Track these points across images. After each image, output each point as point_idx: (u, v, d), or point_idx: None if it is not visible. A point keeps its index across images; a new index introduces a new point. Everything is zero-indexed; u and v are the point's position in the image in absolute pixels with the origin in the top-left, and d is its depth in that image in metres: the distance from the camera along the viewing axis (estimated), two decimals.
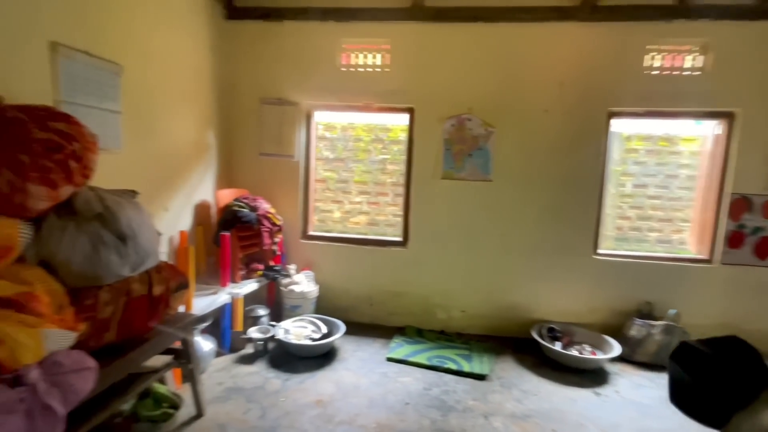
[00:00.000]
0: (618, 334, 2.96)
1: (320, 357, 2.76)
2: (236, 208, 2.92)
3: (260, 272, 3.03)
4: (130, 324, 1.59)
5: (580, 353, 2.79)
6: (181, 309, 2.13)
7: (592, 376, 2.66)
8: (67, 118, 1.55)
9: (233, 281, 2.83)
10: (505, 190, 3.14)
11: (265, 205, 3.10)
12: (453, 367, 2.68)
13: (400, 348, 2.93)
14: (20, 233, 1.33)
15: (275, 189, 3.37)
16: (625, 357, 2.84)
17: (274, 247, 3.10)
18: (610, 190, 3.15)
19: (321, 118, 3.44)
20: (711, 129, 3.04)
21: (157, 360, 1.89)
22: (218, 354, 2.67)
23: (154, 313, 1.69)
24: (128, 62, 2.23)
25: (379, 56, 3.22)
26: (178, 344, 1.98)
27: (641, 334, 2.87)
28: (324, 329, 2.91)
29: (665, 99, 2.94)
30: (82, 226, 1.49)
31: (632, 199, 3.16)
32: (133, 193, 1.84)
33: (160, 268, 1.78)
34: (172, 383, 2.25)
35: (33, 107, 1.51)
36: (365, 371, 2.62)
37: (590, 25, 2.91)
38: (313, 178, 3.48)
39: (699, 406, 1.20)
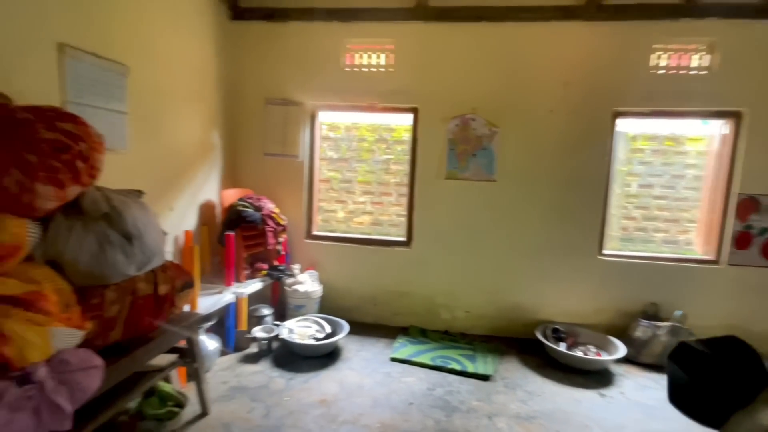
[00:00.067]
0: (623, 335, 2.94)
1: (324, 357, 2.76)
2: (241, 208, 2.94)
3: (264, 272, 3.04)
4: (135, 323, 1.60)
5: (585, 354, 2.77)
6: (186, 308, 2.15)
7: (597, 378, 2.65)
8: (74, 119, 1.56)
9: (238, 281, 2.84)
10: (510, 190, 3.13)
11: (269, 205, 3.11)
12: (457, 367, 2.67)
13: (404, 348, 2.93)
14: (28, 233, 1.34)
15: (279, 189, 3.38)
16: (631, 358, 2.82)
17: (279, 247, 3.11)
18: (616, 191, 3.13)
19: (325, 118, 3.45)
20: (718, 129, 3.02)
21: (163, 359, 1.91)
22: (223, 353, 2.69)
23: (159, 312, 1.71)
24: (134, 63, 2.25)
25: (383, 56, 3.22)
26: (183, 343, 2.00)
27: (647, 335, 2.85)
28: (328, 329, 2.91)
29: (671, 98, 2.92)
30: (89, 225, 1.51)
31: (638, 200, 3.14)
32: (138, 193, 1.85)
33: (166, 267, 1.79)
34: (177, 382, 2.27)
35: (41, 108, 1.52)
36: (369, 371, 2.62)
37: (595, 24, 2.90)
38: (317, 178, 3.49)
39: (698, 406, 1.20)
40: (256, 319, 2.91)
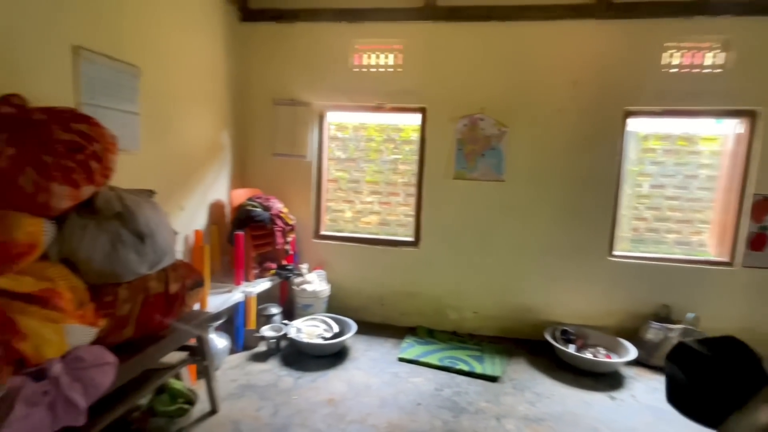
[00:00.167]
0: (634, 337, 2.90)
1: (332, 356, 2.77)
2: (250, 208, 2.96)
3: (273, 271, 3.06)
4: (147, 321, 1.63)
5: (595, 356, 2.74)
6: (197, 307, 2.17)
7: (607, 380, 2.62)
8: (88, 120, 1.59)
9: (247, 280, 2.87)
10: (519, 190, 3.11)
11: (278, 205, 3.14)
12: (465, 368, 2.66)
13: (412, 348, 2.93)
14: (44, 231, 1.37)
15: (288, 189, 3.40)
16: (642, 361, 2.78)
17: (287, 247, 3.12)
18: (627, 191, 3.09)
19: (333, 118, 3.46)
20: (732, 128, 2.96)
21: (173, 356, 1.93)
22: (232, 351, 2.71)
23: (170, 311, 1.73)
24: (146, 65, 2.28)
25: (391, 56, 3.22)
26: (193, 341, 2.02)
27: (658, 337, 2.81)
28: (335, 328, 2.92)
29: (684, 97, 2.87)
30: (102, 224, 1.53)
31: (649, 200, 3.10)
32: (150, 193, 1.88)
33: (177, 266, 1.81)
34: (188, 379, 2.29)
35: (56, 109, 1.56)
36: (377, 371, 2.62)
37: (606, 22, 2.87)
38: (326, 178, 3.51)
39: (695, 406, 1.20)
40: (265, 318, 2.94)
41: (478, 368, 2.67)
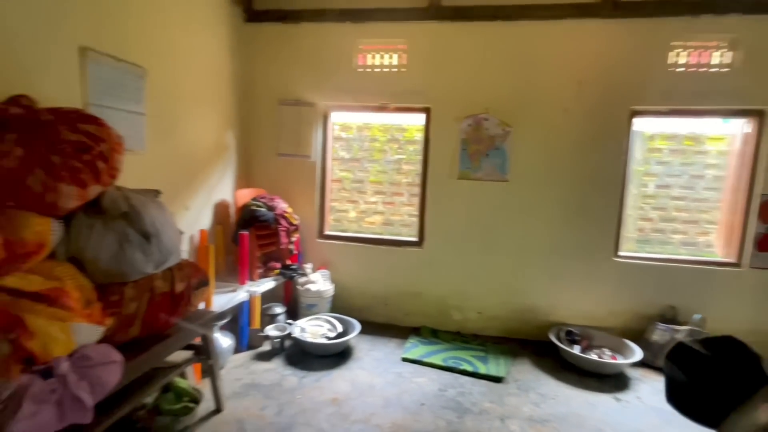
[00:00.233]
0: (640, 338, 2.88)
1: (336, 356, 2.78)
2: (254, 208, 2.97)
3: (277, 271, 3.07)
4: (153, 320, 1.64)
5: (600, 357, 2.73)
6: (201, 306, 2.18)
7: (612, 381, 2.60)
8: (95, 121, 1.61)
9: (251, 279, 2.88)
10: (523, 190, 3.09)
11: (282, 205, 3.15)
12: (469, 368, 2.66)
13: (415, 348, 2.93)
14: (52, 231, 1.39)
15: (292, 189, 3.41)
16: (647, 362, 2.76)
17: (291, 246, 3.14)
18: (632, 191, 3.07)
19: (337, 118, 3.47)
20: (740, 127, 2.93)
21: (179, 355, 1.94)
22: (236, 350, 2.73)
23: (175, 310, 1.74)
24: (152, 65, 2.30)
25: (395, 56, 3.22)
26: (198, 340, 2.03)
27: (664, 339, 2.79)
28: (339, 328, 2.93)
29: (691, 97, 2.85)
30: (109, 224, 1.55)
31: (655, 200, 3.08)
32: (156, 193, 1.89)
33: (182, 265, 1.82)
34: (193, 378, 2.31)
35: (63, 110, 1.57)
36: (380, 371, 2.63)
37: (612, 21, 2.85)
38: (329, 178, 3.51)
39: (695, 405, 1.20)
40: (269, 318, 2.95)
41: (482, 369, 2.66)
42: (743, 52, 2.75)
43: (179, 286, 1.74)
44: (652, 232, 3.10)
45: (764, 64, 2.73)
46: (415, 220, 3.37)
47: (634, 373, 2.71)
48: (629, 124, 2.96)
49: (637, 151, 3.04)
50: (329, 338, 2.82)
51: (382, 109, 3.29)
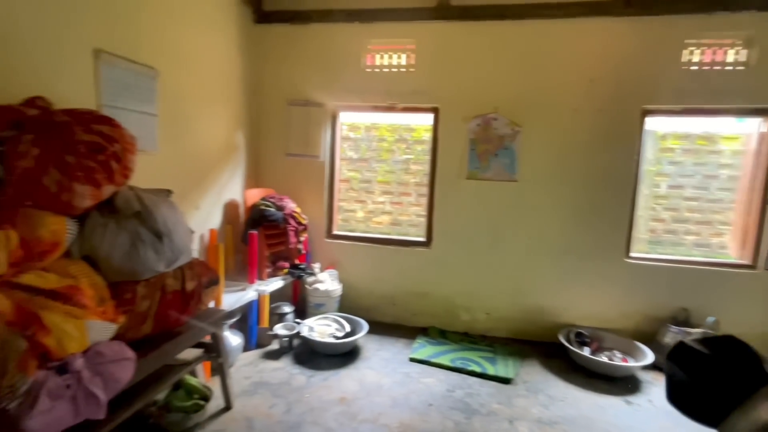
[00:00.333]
0: (652, 341, 2.84)
1: (343, 355, 2.79)
2: (263, 207, 3.00)
3: (286, 270, 3.09)
4: (164, 317, 1.66)
5: (610, 359, 2.70)
6: (211, 304, 2.20)
7: (623, 384, 2.57)
8: (109, 121, 1.63)
9: (260, 278, 2.90)
10: (532, 190, 3.07)
11: (291, 205, 3.16)
12: (477, 369, 2.65)
13: (423, 348, 2.92)
14: (67, 230, 1.41)
15: (301, 188, 3.43)
16: (659, 365, 2.72)
17: (300, 246, 3.15)
18: (644, 191, 3.02)
19: (345, 118, 3.48)
20: (755, 127, 2.88)
21: (189, 353, 1.97)
22: (245, 349, 2.75)
23: (186, 308, 1.76)
24: (164, 67, 2.33)
25: (403, 56, 3.22)
26: (208, 338, 2.05)
27: (676, 342, 2.74)
28: (347, 328, 2.94)
29: (705, 96, 2.80)
30: (122, 223, 1.57)
31: (667, 201, 3.03)
32: (168, 192, 1.92)
33: (193, 264, 1.84)
34: (203, 376, 2.33)
35: (78, 111, 1.60)
36: (388, 371, 2.63)
37: (624, 20, 2.81)
38: (338, 178, 3.53)
39: (696, 405, 1.20)
40: (278, 317, 2.97)
41: (491, 370, 2.65)
42: (758, 49, 2.70)
43: (190, 285, 1.76)
44: (664, 233, 3.06)
45: None
46: (423, 220, 3.37)
47: (646, 376, 2.68)
48: (641, 123, 2.92)
49: (649, 151, 2.99)
50: (337, 338, 2.83)
51: (390, 109, 3.29)
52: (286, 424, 2.05)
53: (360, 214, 3.54)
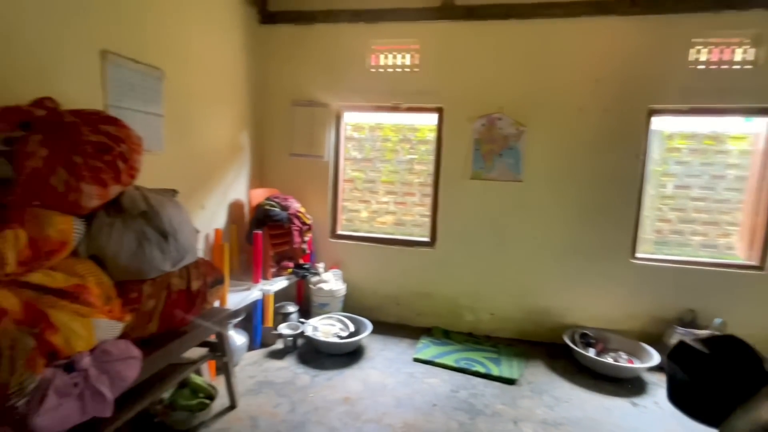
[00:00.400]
0: (658, 342, 2.82)
1: (347, 355, 2.79)
2: (268, 207, 3.01)
3: (290, 270, 3.10)
4: (170, 317, 1.67)
5: (616, 361, 2.68)
6: (216, 304, 2.21)
7: (628, 386, 2.55)
8: (115, 122, 1.64)
9: (264, 278, 2.91)
10: (537, 190, 3.06)
11: (295, 205, 3.17)
12: (481, 370, 2.64)
13: (427, 349, 2.92)
14: (74, 229, 1.43)
15: (305, 188, 3.44)
16: (665, 367, 2.70)
17: (304, 246, 3.16)
18: (650, 192, 3.00)
19: (349, 118, 3.48)
20: (763, 126, 2.84)
21: (194, 352, 1.98)
22: (250, 348, 2.76)
23: (192, 307, 1.77)
24: (169, 67, 2.34)
25: (408, 56, 3.22)
26: (213, 338, 2.06)
27: (677, 341, 2.72)
28: (351, 327, 2.94)
29: (712, 95, 2.78)
30: (128, 223, 1.58)
31: (674, 201, 3.01)
32: (173, 192, 1.93)
33: (198, 264, 1.85)
34: (208, 375, 2.35)
35: (85, 111, 1.62)
36: (392, 371, 2.63)
37: (629, 19, 2.79)
38: (342, 178, 3.53)
39: (697, 404, 1.21)
40: (282, 316, 2.98)
41: (495, 370, 2.64)
42: (766, 48, 2.67)
43: (195, 284, 1.77)
44: (671, 234, 3.03)
45: None
46: (427, 220, 3.37)
47: (652, 378, 2.66)
48: (647, 123, 2.90)
49: (655, 151, 2.97)
50: (341, 337, 2.83)
51: (394, 109, 3.29)
52: (290, 423, 2.05)
53: (364, 214, 3.55)
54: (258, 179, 3.45)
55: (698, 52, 2.78)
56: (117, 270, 1.52)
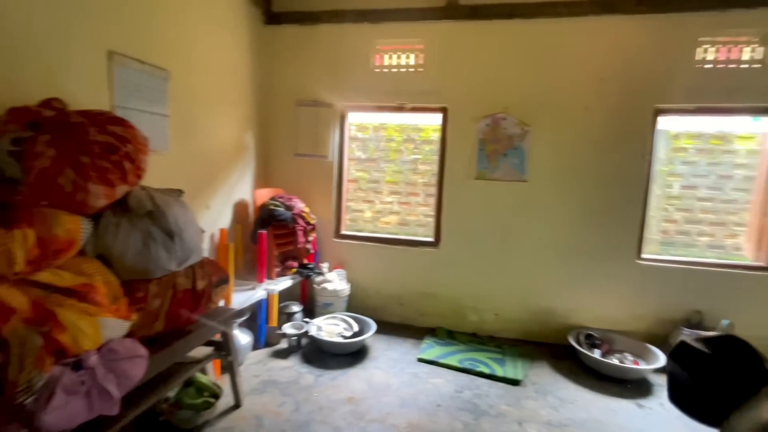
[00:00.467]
0: (664, 344, 2.80)
1: (351, 355, 2.79)
2: (272, 207, 3.01)
3: (294, 270, 3.11)
4: (175, 316, 1.68)
5: (621, 362, 2.66)
6: (221, 303, 2.22)
7: (634, 387, 2.53)
8: (122, 122, 1.66)
9: (269, 278, 2.92)
10: (542, 190, 3.05)
11: (300, 205, 3.18)
12: (485, 370, 2.63)
13: (431, 349, 2.92)
14: (81, 229, 1.44)
15: (309, 188, 3.45)
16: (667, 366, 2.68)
17: (308, 246, 3.17)
18: (656, 192, 2.98)
19: (354, 118, 3.49)
20: None
21: (199, 351, 1.99)
22: (254, 348, 2.77)
23: (197, 306, 1.78)
24: (175, 68, 2.36)
25: (412, 56, 3.22)
26: (218, 337, 2.07)
27: (678, 341, 2.69)
28: (355, 327, 2.94)
29: (719, 94, 2.75)
30: (135, 222, 1.60)
31: (680, 201, 2.98)
32: (179, 192, 1.94)
33: (203, 263, 1.86)
34: (213, 374, 2.36)
35: (92, 112, 1.63)
36: (396, 371, 2.63)
37: (635, 17, 2.78)
38: (346, 178, 3.53)
39: (697, 404, 1.20)
40: (286, 316, 2.98)
41: (499, 371, 2.63)
42: None
43: (200, 284, 1.78)
44: (677, 234, 3.01)
45: None
46: (431, 220, 3.36)
47: (658, 379, 2.64)
48: (653, 122, 2.88)
49: (661, 151, 2.95)
50: (345, 337, 2.84)
51: (399, 109, 3.29)
52: (295, 422, 2.06)
53: (368, 214, 3.55)
54: (263, 179, 3.46)
55: (705, 51, 2.75)
56: (123, 269, 1.53)
